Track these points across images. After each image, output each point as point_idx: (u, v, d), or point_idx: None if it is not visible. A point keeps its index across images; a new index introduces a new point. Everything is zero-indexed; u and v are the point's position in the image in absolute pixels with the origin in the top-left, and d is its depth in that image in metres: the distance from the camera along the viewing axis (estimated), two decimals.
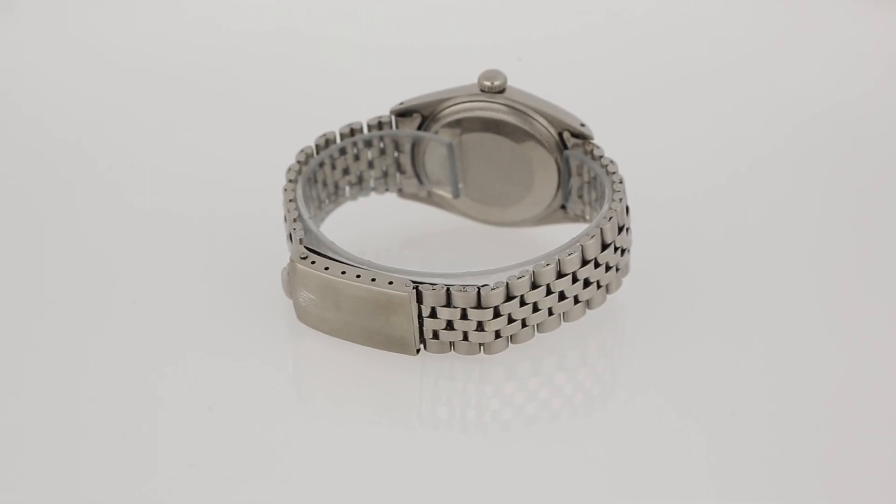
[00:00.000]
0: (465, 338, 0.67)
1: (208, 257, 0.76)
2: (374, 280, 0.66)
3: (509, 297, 0.66)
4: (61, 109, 0.89)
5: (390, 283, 0.66)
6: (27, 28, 0.95)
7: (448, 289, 0.66)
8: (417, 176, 0.77)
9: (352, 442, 0.65)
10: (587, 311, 0.69)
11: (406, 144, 0.76)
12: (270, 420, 0.66)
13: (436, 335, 0.67)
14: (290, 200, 0.71)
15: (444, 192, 0.77)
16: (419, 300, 0.66)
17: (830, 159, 0.84)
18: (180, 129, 0.88)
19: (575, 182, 0.74)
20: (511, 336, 0.68)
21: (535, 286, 0.66)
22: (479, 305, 0.66)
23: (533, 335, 0.68)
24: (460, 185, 0.77)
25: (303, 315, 0.69)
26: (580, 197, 0.74)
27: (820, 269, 0.75)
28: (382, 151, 0.77)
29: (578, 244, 0.67)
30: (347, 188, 0.77)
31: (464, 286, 0.66)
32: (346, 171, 0.76)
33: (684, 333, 0.71)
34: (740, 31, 0.97)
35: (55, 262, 0.76)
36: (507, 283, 0.66)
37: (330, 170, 0.76)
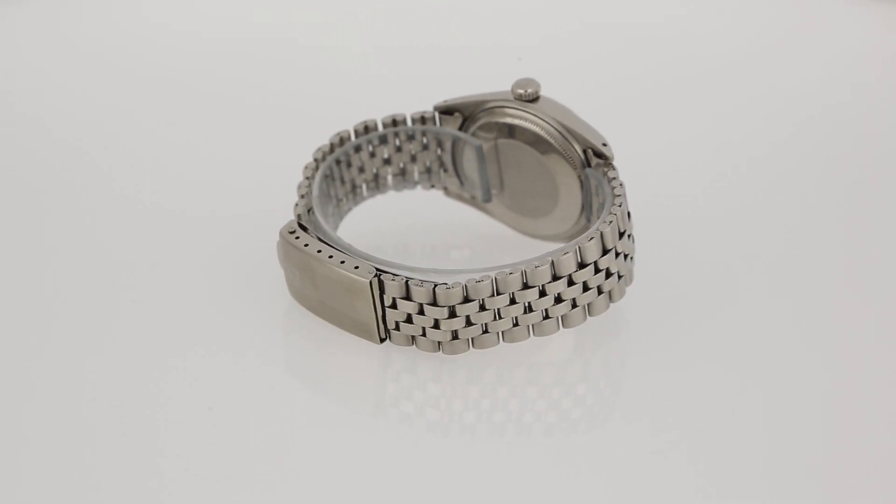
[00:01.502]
0: (424, 333, 0.67)
1: (211, 256, 0.77)
2: (342, 263, 0.67)
3: (467, 299, 0.65)
4: (62, 109, 0.91)
5: (356, 267, 0.66)
6: (41, 28, 0.99)
7: (407, 281, 0.65)
8: (458, 175, 0.77)
9: (306, 429, 0.66)
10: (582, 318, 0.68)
11: (447, 143, 0.76)
12: (268, 418, 0.67)
13: (398, 327, 0.67)
14: (307, 178, 0.73)
15: (476, 196, 0.77)
16: (381, 289, 0.66)
17: (836, 168, 0.83)
18: (183, 130, 0.90)
19: (595, 201, 0.72)
20: (472, 339, 0.67)
21: (498, 292, 0.65)
22: (434, 302, 0.65)
23: (497, 342, 0.67)
24: (493, 191, 0.76)
25: (291, 288, 0.70)
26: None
27: (825, 278, 0.74)
28: (425, 147, 0.77)
29: (550, 258, 0.66)
30: (390, 178, 0.78)
31: (422, 281, 0.65)
32: (387, 161, 0.77)
33: (680, 344, 0.70)
34: (740, 31, 0.95)
35: (56, 261, 0.77)
36: (465, 285, 0.65)
37: (368, 156, 0.76)
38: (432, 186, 0.79)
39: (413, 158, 0.77)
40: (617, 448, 0.64)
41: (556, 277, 0.66)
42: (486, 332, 0.67)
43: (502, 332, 0.67)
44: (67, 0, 1.01)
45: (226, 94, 0.93)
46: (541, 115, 0.72)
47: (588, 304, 0.67)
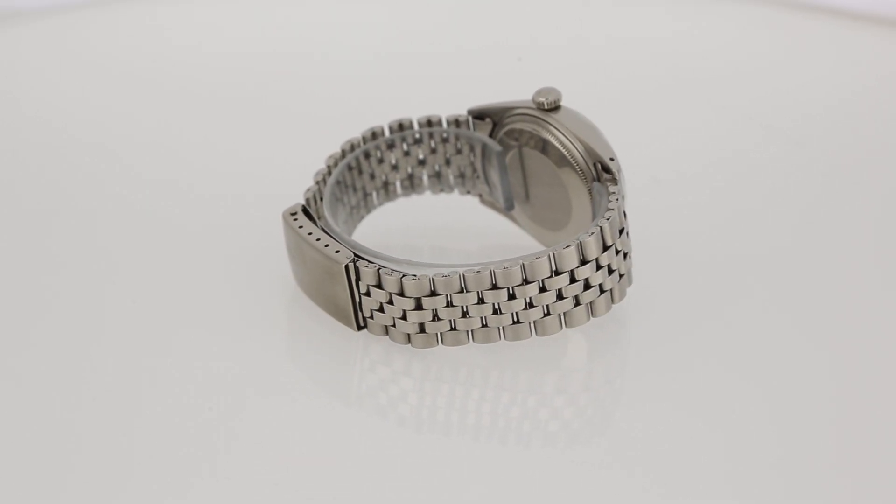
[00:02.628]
0: (395, 324, 0.67)
1: (218, 256, 0.78)
2: (326, 246, 0.68)
3: (434, 293, 0.65)
4: (68, 113, 0.93)
5: (337, 251, 0.67)
6: (56, 40, 1.02)
7: (379, 269, 0.66)
8: (487, 182, 0.77)
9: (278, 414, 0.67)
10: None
11: (477, 147, 0.76)
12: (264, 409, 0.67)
13: (373, 315, 0.68)
14: (328, 166, 0.74)
15: (498, 203, 0.77)
16: (357, 275, 0.67)
17: (836, 168, 0.83)
18: (217, 133, 0.91)
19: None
20: (441, 335, 0.67)
21: (466, 289, 0.65)
22: (401, 293, 0.66)
23: (467, 341, 0.67)
24: (517, 201, 0.76)
25: (294, 275, 0.72)
26: None
27: (825, 278, 0.74)
28: (459, 150, 0.77)
29: (520, 262, 0.65)
30: (426, 178, 0.78)
31: (393, 270, 0.66)
32: (422, 162, 0.77)
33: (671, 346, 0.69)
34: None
35: (57, 258, 0.78)
36: (431, 279, 0.65)
37: (402, 154, 0.77)
38: (468, 192, 0.79)
39: (448, 162, 0.77)
40: (614, 449, 0.64)
41: (527, 281, 0.65)
42: (453, 328, 0.66)
43: (472, 331, 0.66)
44: (88, 14, 1.05)
45: (237, 99, 0.94)
46: (557, 126, 0.71)
47: (564, 314, 0.66)
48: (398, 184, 0.78)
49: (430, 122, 0.77)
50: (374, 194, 0.77)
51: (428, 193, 0.79)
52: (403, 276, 0.65)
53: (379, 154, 0.76)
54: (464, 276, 0.65)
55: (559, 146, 0.71)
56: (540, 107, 0.72)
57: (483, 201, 0.79)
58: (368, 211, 0.77)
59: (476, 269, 0.65)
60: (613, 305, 0.68)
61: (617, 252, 0.67)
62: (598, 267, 0.66)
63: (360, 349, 0.69)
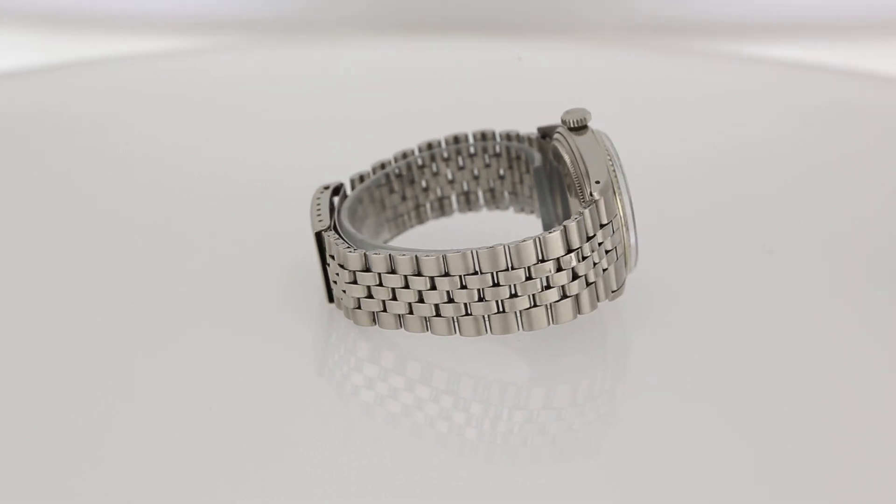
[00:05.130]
0: (359, 305, 0.67)
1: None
2: (319, 216, 0.69)
3: (367, 269, 0.65)
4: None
5: (320, 220, 0.69)
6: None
7: (335, 240, 0.67)
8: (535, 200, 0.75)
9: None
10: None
11: (524, 162, 0.75)
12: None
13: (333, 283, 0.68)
14: (373, 169, 0.75)
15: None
16: (322, 243, 0.68)
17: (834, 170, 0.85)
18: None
19: None
20: (376, 315, 0.66)
21: (392, 271, 0.64)
22: (344, 265, 0.66)
23: (397, 326, 0.66)
24: (556, 221, 0.73)
25: None
26: None
27: (825, 277, 0.74)
28: (510, 166, 0.76)
29: (472, 250, 0.63)
30: (481, 195, 0.77)
31: (356, 248, 0.66)
32: (476, 177, 0.77)
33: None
34: None
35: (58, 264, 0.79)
36: (364, 255, 0.65)
37: (456, 169, 0.76)
38: (521, 210, 0.77)
39: (501, 177, 0.76)
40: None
41: (476, 272, 0.64)
42: (384, 310, 0.66)
43: (401, 317, 0.65)
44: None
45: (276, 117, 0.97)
46: (571, 146, 0.68)
47: (522, 312, 0.64)
48: (454, 198, 0.77)
49: (484, 136, 0.76)
50: (427, 207, 0.77)
51: (484, 210, 0.78)
52: (366, 252, 0.65)
53: (433, 165, 0.76)
54: (392, 257, 0.64)
55: (568, 164, 0.68)
56: (566, 125, 0.69)
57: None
58: (420, 222, 0.77)
59: (425, 253, 0.64)
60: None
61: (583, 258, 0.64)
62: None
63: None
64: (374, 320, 0.66)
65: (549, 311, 0.64)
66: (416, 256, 0.64)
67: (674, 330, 0.69)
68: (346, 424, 0.64)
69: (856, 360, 0.67)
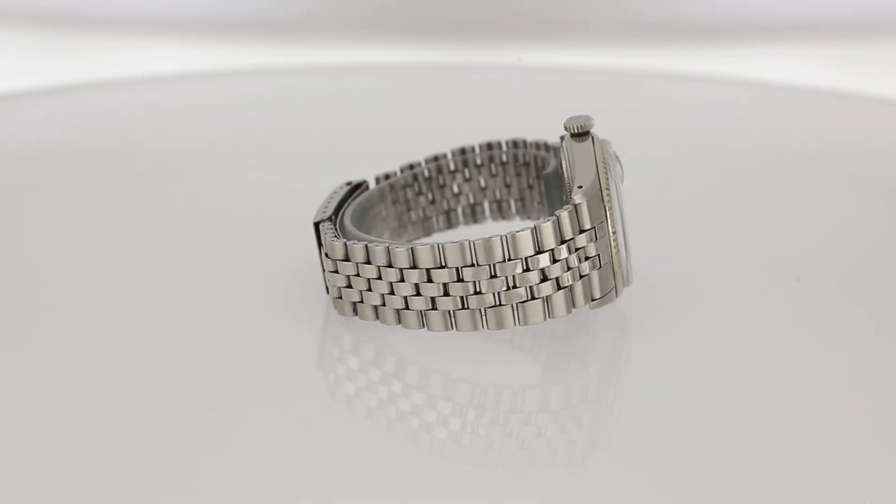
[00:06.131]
0: (340, 295, 0.67)
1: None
2: (325, 209, 0.70)
3: (346, 258, 0.66)
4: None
5: (324, 211, 0.70)
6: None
7: (325, 227, 0.68)
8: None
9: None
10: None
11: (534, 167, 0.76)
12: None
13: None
14: (401, 170, 0.76)
15: None
16: (319, 234, 0.69)
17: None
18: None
19: None
20: (355, 305, 0.67)
21: (367, 261, 0.65)
22: (329, 254, 0.66)
23: (373, 318, 0.66)
24: None
25: None
26: None
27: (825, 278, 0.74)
28: (518, 174, 0.76)
29: (439, 244, 0.64)
30: (513, 204, 0.77)
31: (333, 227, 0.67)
32: (508, 186, 0.77)
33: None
34: None
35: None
36: (345, 244, 0.65)
37: (489, 175, 0.76)
38: (527, 218, 0.77)
39: (508, 186, 0.76)
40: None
41: (441, 266, 0.64)
42: (361, 301, 0.66)
43: (376, 308, 0.66)
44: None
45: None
46: (567, 152, 0.68)
47: (487, 309, 0.64)
48: (486, 206, 0.77)
49: (515, 144, 0.76)
50: (458, 213, 0.77)
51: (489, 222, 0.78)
52: (336, 237, 0.66)
53: (441, 180, 0.76)
54: (389, 248, 0.64)
55: (564, 172, 0.68)
56: (568, 131, 0.68)
57: None
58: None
59: (397, 245, 0.64)
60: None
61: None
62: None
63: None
64: (355, 310, 0.67)
65: (515, 310, 0.64)
66: (388, 247, 0.64)
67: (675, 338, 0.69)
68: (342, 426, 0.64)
69: (865, 371, 0.66)
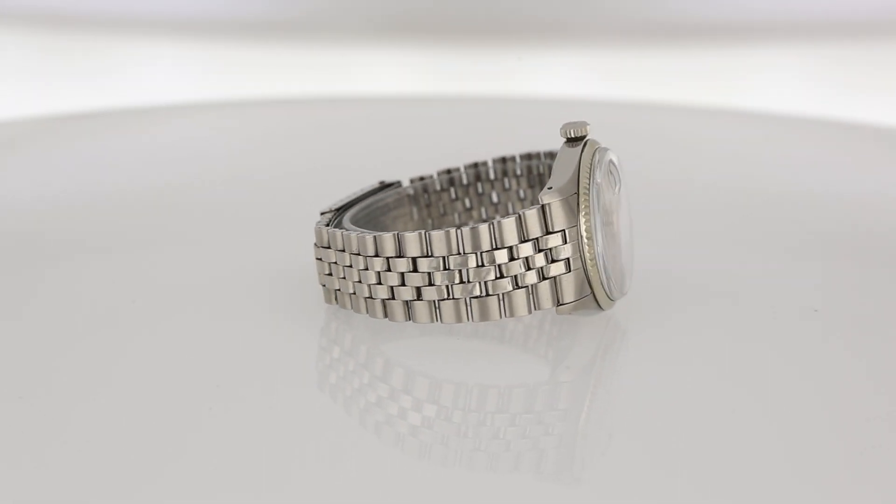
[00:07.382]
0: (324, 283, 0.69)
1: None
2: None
3: (326, 245, 0.67)
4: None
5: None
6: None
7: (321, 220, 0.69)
8: None
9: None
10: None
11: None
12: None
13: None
14: (411, 181, 0.76)
15: None
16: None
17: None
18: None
19: None
20: (336, 293, 0.67)
21: (342, 249, 0.66)
22: (319, 243, 0.67)
23: (349, 307, 0.67)
24: None
25: None
26: None
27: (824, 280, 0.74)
28: (531, 185, 0.77)
29: (421, 233, 0.64)
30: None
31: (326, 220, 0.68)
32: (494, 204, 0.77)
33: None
34: None
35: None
36: (321, 229, 0.67)
37: (501, 189, 0.77)
38: None
39: (522, 200, 0.77)
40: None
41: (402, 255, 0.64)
42: (338, 289, 0.67)
43: (350, 296, 0.66)
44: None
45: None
46: (557, 157, 0.67)
47: (439, 301, 0.64)
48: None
49: (529, 156, 0.76)
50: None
51: None
52: (327, 225, 0.67)
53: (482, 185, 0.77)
54: (376, 237, 0.64)
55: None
56: (563, 136, 0.67)
57: None
58: None
59: (374, 235, 0.64)
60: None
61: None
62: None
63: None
64: (335, 298, 0.68)
65: (467, 305, 0.64)
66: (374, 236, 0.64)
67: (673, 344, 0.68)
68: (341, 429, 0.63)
69: (865, 373, 0.66)
